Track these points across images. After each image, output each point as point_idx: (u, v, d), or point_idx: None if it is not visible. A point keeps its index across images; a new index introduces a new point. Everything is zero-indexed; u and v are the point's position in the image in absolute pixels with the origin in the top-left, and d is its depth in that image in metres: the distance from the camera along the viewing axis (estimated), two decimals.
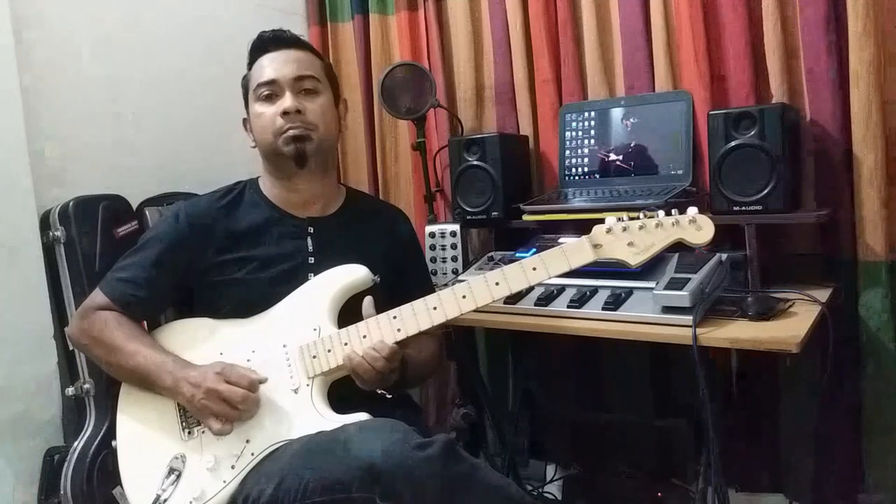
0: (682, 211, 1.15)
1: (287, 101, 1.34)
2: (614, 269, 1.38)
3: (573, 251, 1.18)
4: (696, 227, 1.14)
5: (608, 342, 1.32)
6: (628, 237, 1.16)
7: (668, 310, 1.25)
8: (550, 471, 1.97)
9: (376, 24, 2.08)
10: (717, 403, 1.31)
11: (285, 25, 1.46)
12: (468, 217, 1.75)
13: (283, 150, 1.35)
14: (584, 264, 1.18)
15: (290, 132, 1.34)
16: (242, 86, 1.44)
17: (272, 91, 1.36)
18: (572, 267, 1.19)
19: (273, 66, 1.37)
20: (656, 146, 1.66)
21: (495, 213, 1.71)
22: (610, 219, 1.18)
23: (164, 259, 1.33)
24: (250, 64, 1.42)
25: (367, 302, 1.26)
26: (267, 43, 1.40)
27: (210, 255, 1.34)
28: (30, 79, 1.51)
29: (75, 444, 1.43)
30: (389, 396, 1.28)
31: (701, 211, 1.15)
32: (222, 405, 1.16)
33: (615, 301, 1.32)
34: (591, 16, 1.75)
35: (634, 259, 1.16)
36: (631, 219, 1.17)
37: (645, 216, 1.16)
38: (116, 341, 1.26)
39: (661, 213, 1.16)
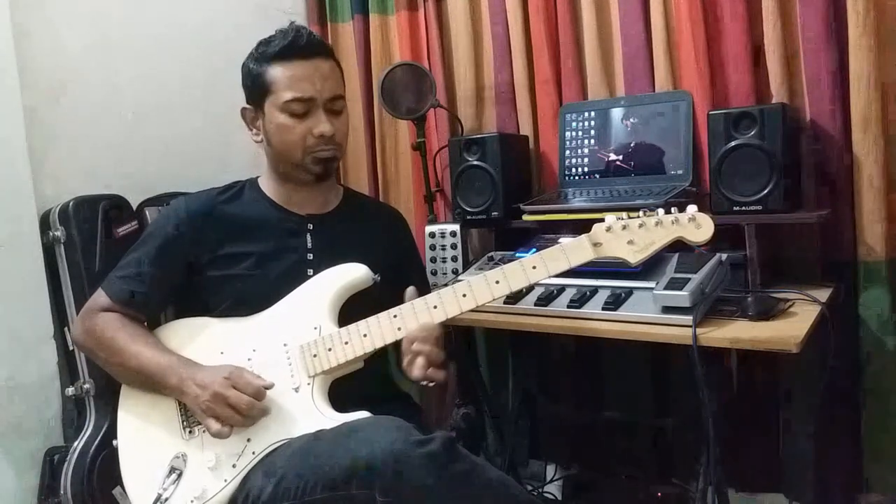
0: (682, 209, 1.15)
1: (324, 125, 1.33)
2: (614, 269, 1.38)
3: (573, 249, 1.18)
4: (696, 226, 1.14)
5: (608, 342, 1.32)
6: (628, 235, 1.16)
7: (668, 310, 1.25)
8: (550, 471, 1.96)
9: (376, 24, 2.08)
10: (717, 403, 1.31)
11: (285, 25, 1.45)
12: (468, 217, 1.74)
13: (310, 167, 1.36)
14: (583, 262, 1.18)
15: (322, 154, 1.35)
16: (254, 78, 1.36)
17: (305, 108, 1.33)
18: (572, 265, 1.19)
19: (310, 81, 1.32)
20: (656, 146, 1.65)
21: (495, 213, 1.71)
22: (609, 217, 1.18)
23: (164, 254, 1.33)
24: (272, 59, 1.33)
25: (411, 291, 1.26)
26: (300, 49, 1.33)
27: (209, 251, 1.34)
28: (30, 79, 1.51)
29: (75, 444, 1.43)
30: (432, 385, 1.27)
31: (701, 210, 1.15)
32: (227, 410, 1.16)
33: (615, 301, 1.32)
34: (591, 16, 1.75)
35: (634, 257, 1.16)
36: (631, 217, 1.17)
37: (645, 214, 1.16)
38: (119, 342, 1.26)
39: (661, 211, 1.16)
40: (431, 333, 1.21)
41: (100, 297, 1.32)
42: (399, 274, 1.42)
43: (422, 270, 1.64)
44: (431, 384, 1.28)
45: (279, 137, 1.35)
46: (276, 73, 1.33)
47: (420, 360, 1.20)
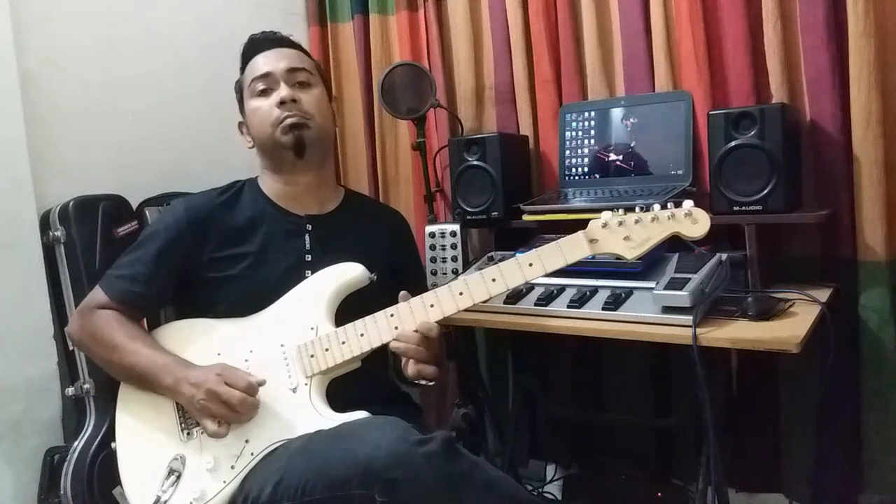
0: (679, 205, 1.15)
1: (283, 91, 1.37)
2: (614, 269, 1.38)
3: (569, 246, 1.18)
4: (693, 221, 1.13)
5: (608, 342, 1.32)
6: (624, 231, 1.16)
7: (668, 310, 1.25)
8: (550, 471, 1.97)
9: (376, 24, 2.08)
10: (717, 403, 1.31)
11: (285, 25, 1.47)
12: (468, 217, 1.74)
13: (282, 139, 1.36)
14: (580, 259, 1.18)
15: (288, 120, 1.36)
16: (236, 90, 1.47)
17: (267, 85, 1.39)
18: (568, 262, 1.18)
19: (266, 61, 1.41)
20: (656, 146, 1.65)
21: (495, 213, 1.71)
22: (605, 213, 1.18)
23: (163, 254, 1.33)
24: (243, 67, 1.45)
25: (404, 295, 1.25)
26: (258, 44, 1.44)
27: (207, 251, 1.34)
28: (30, 78, 1.51)
29: (75, 444, 1.43)
30: (432, 384, 1.29)
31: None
32: (221, 407, 1.16)
33: (615, 301, 1.32)
34: (591, 16, 1.75)
35: (631, 253, 1.16)
36: (627, 213, 1.17)
37: (641, 210, 1.16)
38: (116, 340, 1.26)
39: (657, 206, 1.15)
40: (420, 333, 1.20)
41: (97, 294, 1.32)
42: (398, 276, 1.42)
43: (421, 275, 1.64)
44: (431, 383, 1.29)
45: (254, 121, 1.40)
46: (245, 73, 1.45)
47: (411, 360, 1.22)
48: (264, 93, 1.39)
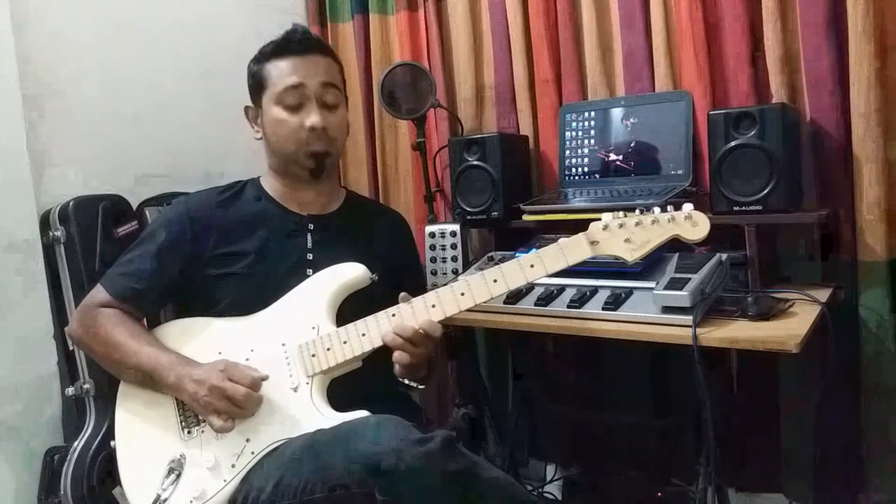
0: (679, 208, 1.15)
1: (314, 116, 1.34)
2: (614, 269, 1.38)
3: (570, 248, 1.18)
4: (692, 224, 1.14)
5: (608, 342, 1.32)
6: (625, 234, 1.16)
7: (668, 310, 1.25)
8: (550, 471, 1.97)
9: (376, 24, 2.08)
10: (717, 403, 1.31)
11: (285, 25, 1.46)
12: (468, 217, 1.75)
13: (303, 162, 1.37)
14: (581, 261, 1.18)
15: (314, 147, 1.35)
16: (253, 76, 1.41)
17: (298, 99, 1.35)
18: (570, 264, 1.18)
19: (302, 70, 1.36)
20: (656, 146, 1.66)
21: (495, 213, 1.71)
22: (606, 216, 1.18)
23: (165, 251, 1.33)
24: (269, 57, 1.38)
25: (404, 297, 1.25)
26: (295, 45, 1.38)
27: (209, 249, 1.34)
28: (30, 79, 1.51)
29: (75, 444, 1.43)
30: (422, 387, 1.29)
31: (701, 210, 1.15)
32: (225, 402, 1.16)
33: (615, 301, 1.32)
34: (591, 16, 1.75)
35: (631, 255, 1.16)
36: (627, 216, 1.17)
37: (641, 213, 1.17)
38: (118, 338, 1.26)
39: (658, 209, 1.16)
40: (422, 331, 1.20)
41: (99, 292, 1.32)
42: (398, 277, 1.42)
43: (421, 276, 1.64)
44: (421, 386, 1.29)
45: (274, 131, 1.38)
46: (271, 68, 1.38)
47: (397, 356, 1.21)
48: (292, 107, 1.35)
